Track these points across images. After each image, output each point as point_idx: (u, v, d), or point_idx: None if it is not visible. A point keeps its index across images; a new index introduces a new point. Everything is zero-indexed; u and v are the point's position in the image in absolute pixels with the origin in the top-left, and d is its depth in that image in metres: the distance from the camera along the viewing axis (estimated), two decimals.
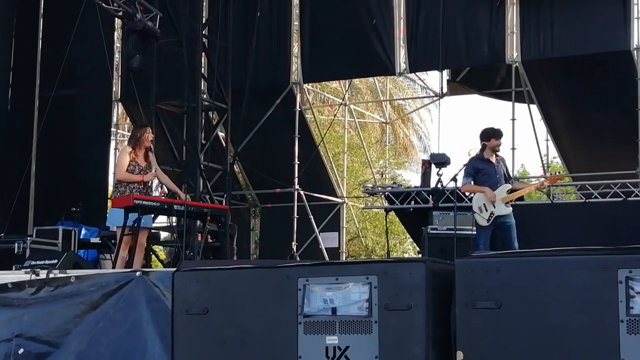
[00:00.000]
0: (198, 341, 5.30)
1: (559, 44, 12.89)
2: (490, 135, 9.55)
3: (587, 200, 12.26)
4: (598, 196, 12.38)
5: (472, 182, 9.50)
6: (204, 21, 13.24)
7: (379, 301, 4.86)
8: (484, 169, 9.49)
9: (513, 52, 13.22)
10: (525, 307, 4.64)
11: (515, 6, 13.17)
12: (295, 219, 14.72)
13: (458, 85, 15.08)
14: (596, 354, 4.44)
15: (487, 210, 9.38)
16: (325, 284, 5.02)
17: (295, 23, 14.90)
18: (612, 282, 4.45)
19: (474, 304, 4.72)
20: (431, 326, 4.82)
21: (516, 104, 13.51)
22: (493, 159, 9.54)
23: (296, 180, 14.81)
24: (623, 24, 12.52)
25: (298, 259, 13.48)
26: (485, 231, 9.46)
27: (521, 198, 12.39)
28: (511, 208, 9.42)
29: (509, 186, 9.49)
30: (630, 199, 12.02)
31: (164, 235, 13.12)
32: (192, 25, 12.74)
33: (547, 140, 14.33)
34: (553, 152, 14.77)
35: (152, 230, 10.50)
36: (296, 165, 14.80)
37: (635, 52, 12.50)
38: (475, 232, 9.65)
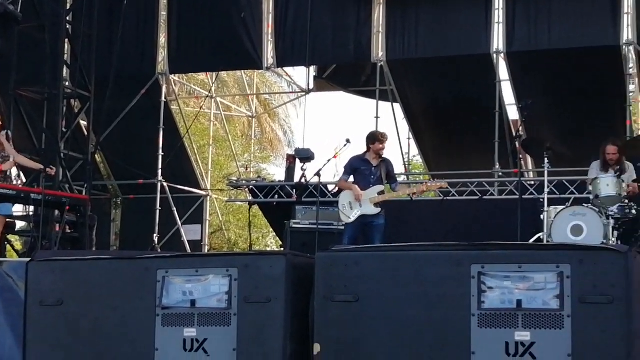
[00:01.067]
0: (51, 333, 5.17)
1: (423, 45, 13.19)
2: (375, 139, 9.68)
3: (444, 198, 12.59)
4: (456, 194, 12.74)
5: (347, 180, 9.64)
6: (68, 7, 12.88)
7: (238, 294, 4.85)
8: (360, 169, 9.62)
9: (379, 51, 13.44)
10: (381, 301, 4.69)
11: (381, 6, 13.40)
12: (158, 211, 14.53)
13: (324, 82, 15.20)
14: (448, 347, 4.55)
15: (352, 209, 9.49)
16: (185, 276, 4.98)
17: (163, 13, 14.72)
18: (465, 277, 4.57)
19: (332, 297, 4.75)
20: (290, 319, 4.83)
21: (380, 102, 13.72)
22: (374, 161, 9.63)
23: (160, 171, 14.62)
24: (484, 29, 12.91)
25: (159, 251, 13.33)
26: (350, 228, 9.57)
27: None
28: (379, 209, 9.48)
29: (381, 187, 9.56)
30: (485, 197, 12.42)
31: (21, 224, 12.72)
32: (56, 10, 12.36)
33: (409, 138, 14.65)
34: (414, 150, 15.13)
35: (8, 220, 10.17)
36: (160, 157, 14.61)
37: (495, 55, 12.91)
38: (337, 227, 9.80)
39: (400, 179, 14.94)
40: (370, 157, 9.64)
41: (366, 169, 9.60)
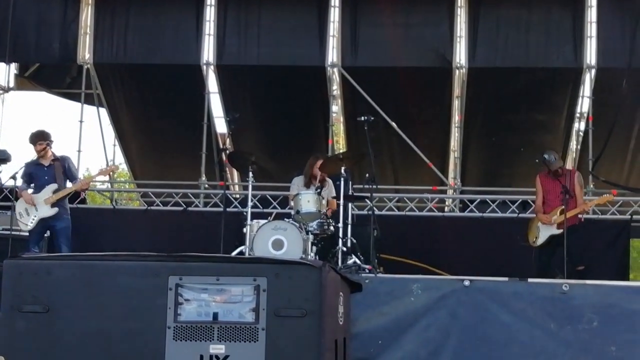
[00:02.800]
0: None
1: (132, 51, 12.93)
2: (39, 139, 9.53)
3: (148, 208, 12.42)
4: (160, 204, 12.61)
5: (26, 189, 9.47)
6: None
7: None
8: (35, 173, 9.52)
9: (85, 53, 13.02)
10: (74, 312, 4.54)
11: (90, 7, 13.00)
12: None
13: (26, 81, 14.51)
14: (142, 359, 4.43)
15: (29, 215, 9.33)
16: None
17: None
18: (162, 288, 4.49)
19: (20, 307, 4.52)
20: None
21: (85, 106, 13.29)
22: (46, 162, 9.51)
23: None
24: (195, 40, 12.90)
25: None
26: (34, 235, 9.39)
27: (83, 201, 12.25)
28: (57, 209, 9.33)
29: (55, 186, 9.42)
30: (190, 208, 12.39)
31: None
32: None
33: (114, 145, 14.29)
34: (120, 157, 14.78)
35: None
36: None
37: (205, 66, 12.93)
38: (28, 234, 9.45)
39: (105, 185, 14.60)
40: (42, 160, 9.55)
41: (40, 171, 9.51)
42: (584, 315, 6.83)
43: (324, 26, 12.68)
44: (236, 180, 14.61)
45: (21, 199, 9.41)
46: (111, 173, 10.44)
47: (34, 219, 9.30)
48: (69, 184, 9.60)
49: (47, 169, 9.47)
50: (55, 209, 9.30)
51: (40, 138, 9.52)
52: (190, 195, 12.70)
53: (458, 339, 6.89)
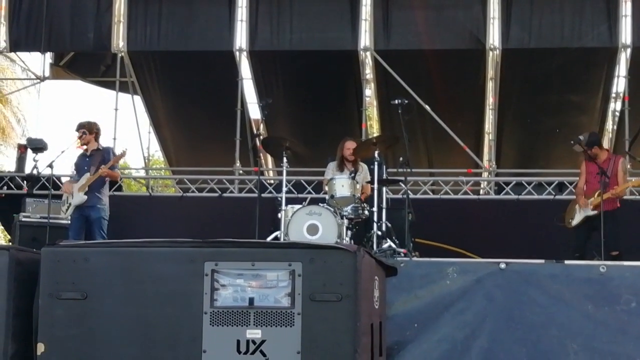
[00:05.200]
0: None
1: (165, 38, 13.00)
2: (90, 130, 9.69)
3: (184, 194, 12.49)
4: (195, 191, 12.68)
5: (72, 178, 9.76)
6: None
7: None
8: (79, 164, 9.71)
9: (119, 41, 13.10)
10: (112, 298, 4.56)
11: None
12: None
13: (61, 70, 14.63)
14: (179, 345, 4.47)
15: (67, 202, 9.54)
16: None
17: None
18: (198, 274, 4.51)
19: (58, 295, 4.56)
20: (12, 317, 4.62)
21: (120, 94, 13.39)
22: (88, 152, 9.66)
23: None
24: (227, 26, 12.92)
25: None
26: (73, 221, 9.51)
27: (119, 188, 12.36)
28: (87, 197, 9.41)
29: (88, 175, 9.52)
30: (225, 194, 12.44)
31: None
32: None
33: (149, 132, 14.39)
34: (155, 144, 14.88)
35: None
36: None
37: (237, 52, 12.95)
38: (69, 222, 9.56)
39: (141, 173, 14.71)
40: (86, 150, 9.68)
41: (82, 161, 9.67)
42: (621, 297, 6.77)
43: (355, 10, 12.64)
44: (270, 166, 14.63)
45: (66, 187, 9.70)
46: (123, 159, 10.64)
47: (68, 207, 9.48)
48: None
49: (89, 159, 9.59)
50: (85, 197, 9.40)
51: (78, 127, 9.64)
52: (225, 182, 12.75)
53: (494, 322, 6.86)
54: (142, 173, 14.84)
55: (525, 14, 12.43)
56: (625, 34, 12.25)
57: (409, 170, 9.17)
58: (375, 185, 9.13)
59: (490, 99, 13.15)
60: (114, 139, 13.00)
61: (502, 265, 6.95)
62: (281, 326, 4.42)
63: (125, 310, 4.53)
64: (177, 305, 4.51)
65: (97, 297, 4.56)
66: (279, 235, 8.95)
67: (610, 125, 13.60)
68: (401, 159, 9.22)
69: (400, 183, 9.71)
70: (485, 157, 13.44)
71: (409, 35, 12.60)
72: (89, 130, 9.62)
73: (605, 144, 13.14)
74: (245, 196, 12.31)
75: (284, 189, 9.31)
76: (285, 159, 9.33)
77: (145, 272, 4.56)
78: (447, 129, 12.29)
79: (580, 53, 12.47)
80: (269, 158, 14.37)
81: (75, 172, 9.84)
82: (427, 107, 12.13)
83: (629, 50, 12.25)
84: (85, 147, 9.64)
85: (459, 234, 11.05)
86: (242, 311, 4.46)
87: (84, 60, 14.68)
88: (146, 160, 14.68)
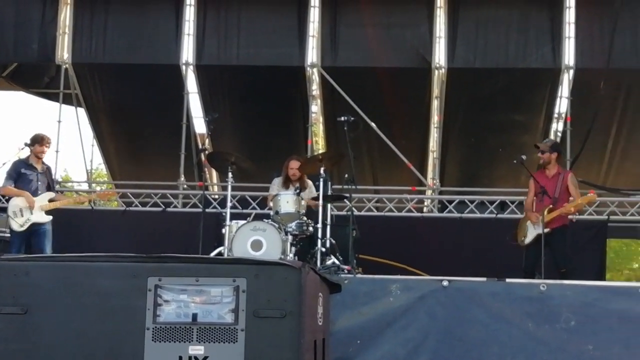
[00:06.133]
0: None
1: (111, 51, 12.90)
2: (35, 142, 9.53)
3: (127, 208, 12.38)
4: (139, 205, 12.57)
5: (13, 185, 9.42)
6: None
7: None
8: (25, 174, 9.47)
9: (64, 52, 12.97)
10: (52, 313, 4.49)
11: (69, 6, 12.96)
12: None
13: (4, 81, 14.42)
14: None
15: (23, 216, 9.29)
16: None
17: None
18: (141, 289, 4.46)
19: None
20: None
21: (64, 106, 13.24)
22: (38, 166, 9.53)
23: None
24: (174, 39, 12.87)
25: None
26: (19, 236, 9.34)
27: None
28: (51, 217, 9.40)
29: (51, 194, 9.48)
30: (169, 209, 12.36)
31: None
32: None
33: (92, 145, 14.24)
34: (98, 157, 14.71)
35: None
36: None
37: (184, 67, 12.90)
38: (4, 235, 9.42)
39: (83, 187, 14.55)
40: (33, 161, 9.54)
41: (31, 173, 9.50)
42: (561, 315, 6.87)
43: (303, 26, 12.70)
44: (215, 181, 14.58)
45: (19, 198, 9.33)
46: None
47: (27, 222, 9.28)
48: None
49: (40, 175, 9.50)
50: (48, 218, 9.38)
51: (47, 142, 9.56)
52: (169, 196, 12.68)
53: (436, 339, 6.91)
54: (84, 186, 14.67)
55: (471, 34, 12.60)
56: (569, 56, 12.48)
57: (354, 187, 9.21)
58: (320, 202, 9.15)
59: (436, 117, 13.27)
60: (57, 151, 12.86)
61: (445, 283, 7.01)
62: (224, 342, 4.39)
63: (66, 325, 4.47)
64: (120, 321, 4.46)
65: (38, 312, 4.49)
66: (222, 251, 8.91)
67: None
68: (346, 175, 9.26)
69: (345, 200, 9.74)
70: (430, 175, 13.55)
71: (356, 53, 12.69)
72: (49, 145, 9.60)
73: None
74: (189, 211, 12.25)
75: (229, 204, 9.27)
76: (230, 174, 9.30)
77: (88, 287, 4.50)
78: (392, 147, 12.37)
79: (525, 73, 12.67)
80: (214, 173, 14.31)
81: (15, 179, 9.44)
82: (372, 124, 12.21)
83: (571, 72, 12.47)
84: (41, 160, 9.54)
85: (403, 252, 11.11)
86: (185, 327, 4.42)
87: (27, 71, 14.49)
88: (89, 174, 14.51)
